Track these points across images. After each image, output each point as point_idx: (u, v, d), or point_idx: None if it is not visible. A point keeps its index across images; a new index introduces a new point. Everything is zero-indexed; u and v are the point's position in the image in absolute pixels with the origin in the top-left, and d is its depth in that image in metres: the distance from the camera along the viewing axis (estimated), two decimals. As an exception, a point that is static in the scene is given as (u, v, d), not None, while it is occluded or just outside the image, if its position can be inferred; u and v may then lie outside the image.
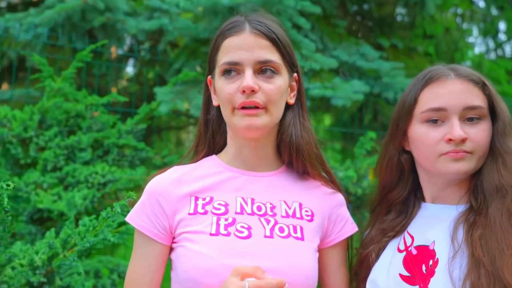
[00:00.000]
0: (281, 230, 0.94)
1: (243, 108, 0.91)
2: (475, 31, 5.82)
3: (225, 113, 0.96)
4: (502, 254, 0.84)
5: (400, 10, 4.53)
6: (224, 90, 0.93)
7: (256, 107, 0.91)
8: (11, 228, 1.21)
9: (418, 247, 0.98)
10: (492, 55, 5.77)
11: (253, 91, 0.90)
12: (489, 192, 0.92)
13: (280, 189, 1.00)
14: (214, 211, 0.95)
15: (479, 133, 0.93)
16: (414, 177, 1.06)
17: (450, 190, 1.00)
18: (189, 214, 0.95)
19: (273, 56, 0.93)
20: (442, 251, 0.93)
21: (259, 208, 0.97)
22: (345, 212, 1.05)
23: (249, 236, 0.92)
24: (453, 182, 0.99)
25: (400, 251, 1.00)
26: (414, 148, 1.01)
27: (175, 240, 0.97)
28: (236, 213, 0.95)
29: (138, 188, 2.64)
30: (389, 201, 1.07)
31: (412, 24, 4.20)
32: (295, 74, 1.01)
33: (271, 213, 0.96)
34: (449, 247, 0.92)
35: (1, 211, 1.17)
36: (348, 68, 2.94)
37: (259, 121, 0.91)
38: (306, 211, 1.00)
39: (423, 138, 0.98)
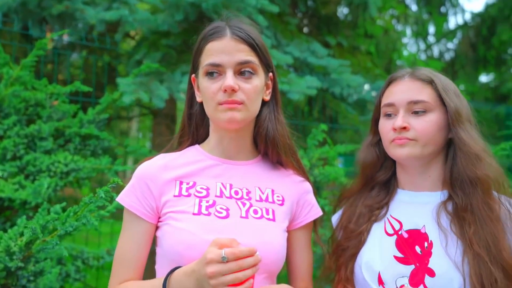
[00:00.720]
0: (255, 212, 1.04)
1: (225, 103, 1.00)
2: (408, 32, 6.25)
3: (209, 109, 1.04)
4: (496, 242, 0.94)
5: (343, 10, 4.77)
6: (208, 88, 1.01)
7: (236, 103, 1.00)
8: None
9: (409, 231, 1.06)
10: (423, 56, 6.22)
11: (233, 90, 0.98)
12: (463, 187, 1.01)
13: (255, 176, 1.10)
14: (196, 194, 1.04)
15: (422, 123, 1.04)
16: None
17: (421, 177, 1.10)
18: (174, 196, 1.03)
19: (251, 58, 1.01)
20: (433, 235, 1.02)
21: (236, 193, 1.06)
22: (311, 198, 1.16)
23: (227, 216, 1.02)
24: (419, 169, 1.09)
25: (389, 234, 1.08)
26: (383, 142, 1.14)
27: (160, 220, 1.05)
28: (216, 196, 1.04)
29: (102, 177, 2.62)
30: (374, 180, 1.16)
31: (355, 24, 4.44)
32: (271, 74, 1.10)
33: (247, 197, 1.06)
34: (438, 231, 1.01)
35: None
36: (299, 64, 3.09)
37: (239, 115, 1.00)
38: (278, 196, 1.10)
39: (381, 128, 1.12)
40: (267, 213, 1.06)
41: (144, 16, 2.50)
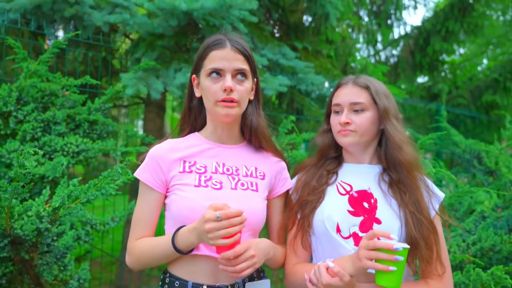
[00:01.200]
0: (242, 184, 1.15)
1: (223, 101, 1.09)
2: (361, 40, 6.40)
3: (209, 104, 1.13)
4: (419, 203, 1.12)
5: (308, 18, 4.84)
6: (210, 88, 1.10)
7: (232, 101, 1.09)
8: (28, 187, 1.28)
9: (358, 191, 1.19)
10: (372, 60, 6.40)
11: (231, 90, 1.08)
12: (395, 167, 1.16)
13: (242, 157, 1.21)
14: (197, 170, 1.14)
15: (360, 119, 1.18)
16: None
17: (362, 155, 1.24)
18: (179, 172, 1.14)
19: (245, 66, 1.11)
20: (377, 194, 1.17)
21: (227, 170, 1.17)
22: (286, 173, 1.28)
23: (220, 188, 1.13)
24: (360, 151, 1.23)
25: (342, 194, 1.20)
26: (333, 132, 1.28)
27: (168, 190, 1.15)
28: (212, 172, 1.15)
29: (107, 156, 2.66)
30: (326, 156, 1.29)
31: (318, 31, 4.54)
32: (255, 79, 1.20)
33: (236, 173, 1.17)
34: (381, 192, 1.17)
35: (21, 174, 1.24)
36: (272, 65, 3.18)
37: (233, 111, 1.10)
38: (260, 172, 1.21)
39: (331, 122, 1.26)
40: (252, 186, 1.16)
41: (143, 20, 2.52)
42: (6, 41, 2.09)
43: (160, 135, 4.28)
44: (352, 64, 4.91)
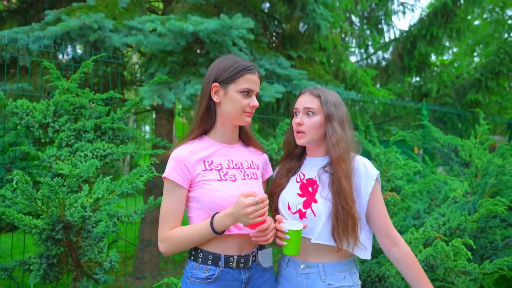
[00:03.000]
0: (247, 175, 1.38)
1: (248, 112, 1.34)
2: (353, 44, 6.69)
3: (235, 112, 1.33)
4: (346, 193, 1.30)
5: (302, 26, 5.13)
6: (241, 101, 1.31)
7: (251, 113, 1.35)
8: (78, 182, 1.60)
9: (308, 179, 1.41)
10: (364, 63, 6.67)
11: (255, 107, 1.35)
12: (332, 161, 1.35)
13: (242, 153, 1.43)
14: (215, 168, 1.34)
15: (309, 121, 1.36)
16: None
17: (316, 150, 1.44)
18: (203, 170, 1.32)
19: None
20: (319, 181, 1.38)
21: (235, 165, 1.38)
22: (268, 163, 1.54)
23: (235, 180, 1.34)
24: (313, 146, 1.43)
25: (297, 182, 1.43)
26: None
27: (192, 186, 1.32)
28: (227, 168, 1.35)
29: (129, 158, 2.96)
30: (293, 154, 1.50)
31: (312, 40, 4.82)
32: None
33: (241, 167, 1.39)
34: (320, 180, 1.38)
35: (72, 173, 1.57)
36: (269, 74, 3.49)
37: (250, 120, 1.37)
38: (256, 164, 1.45)
39: (292, 123, 1.45)
40: (254, 175, 1.40)
41: (155, 39, 2.83)
42: (42, 63, 2.42)
43: (170, 139, 4.60)
44: (344, 70, 5.19)
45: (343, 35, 6.68)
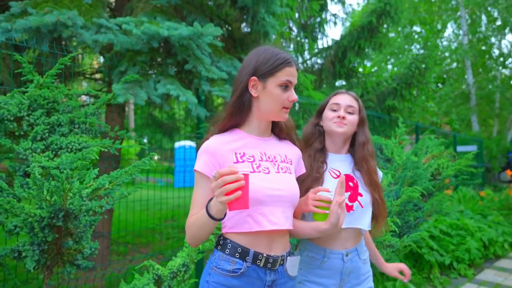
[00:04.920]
0: (281, 169, 1.30)
1: (286, 107, 1.28)
2: (291, 49, 7.20)
3: (274, 107, 1.27)
4: (378, 185, 1.52)
5: (248, 30, 5.43)
6: (281, 96, 1.25)
7: (289, 108, 1.29)
8: (84, 173, 1.74)
9: (346, 175, 1.49)
10: (302, 67, 7.24)
11: (295, 101, 1.28)
12: (363, 159, 1.52)
13: (275, 147, 1.36)
14: (247, 160, 1.26)
15: (351, 117, 1.51)
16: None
17: (341, 146, 1.56)
18: (234, 162, 1.24)
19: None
20: (356, 177, 1.52)
21: (269, 157, 1.30)
22: (301, 160, 1.45)
23: (268, 172, 1.26)
24: (341, 142, 1.55)
25: (334, 178, 1.49)
26: (324, 123, 1.56)
27: None
28: (260, 160, 1.27)
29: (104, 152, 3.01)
30: (314, 148, 1.55)
31: (258, 44, 5.16)
32: None
33: (275, 160, 1.31)
34: (356, 175, 1.52)
35: (85, 164, 1.71)
36: (228, 77, 3.77)
37: (287, 115, 1.33)
38: (289, 159, 1.37)
39: (327, 115, 1.55)
40: (288, 170, 1.32)
41: (124, 39, 2.92)
42: (13, 56, 2.40)
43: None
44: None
45: (282, 40, 7.17)
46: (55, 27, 2.66)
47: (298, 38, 7.16)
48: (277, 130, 1.40)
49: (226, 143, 1.27)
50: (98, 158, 2.12)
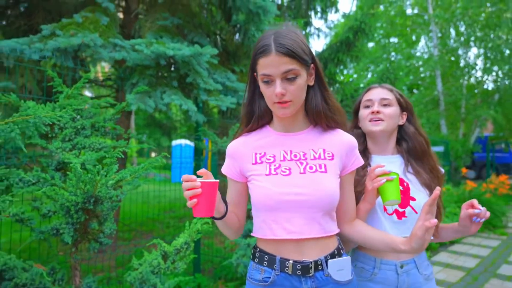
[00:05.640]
0: (311, 168, 1.06)
1: (278, 103, 1.02)
2: None
3: (268, 104, 1.08)
4: (435, 184, 1.25)
5: (239, 43, 5.80)
6: (265, 92, 1.04)
7: (285, 102, 1.01)
8: (107, 167, 2.11)
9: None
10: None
11: (282, 95, 1.00)
12: (413, 157, 1.28)
13: (309, 141, 1.11)
14: (266, 161, 1.09)
15: (387, 110, 1.29)
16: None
17: (385, 146, 1.32)
18: (252, 164, 1.10)
19: (293, 66, 0.98)
20: (406, 179, 1.26)
21: (295, 156, 1.09)
22: (355, 152, 1.13)
23: (289, 174, 1.05)
24: (384, 140, 1.30)
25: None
26: (361, 123, 1.36)
27: (248, 179, 1.13)
28: (281, 160, 1.08)
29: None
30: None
31: (249, 56, 5.55)
32: (312, 65, 1.06)
33: (304, 158, 1.08)
34: (407, 177, 1.26)
35: (113, 161, 2.08)
36: (221, 87, 4.14)
37: (288, 110, 1.03)
38: (328, 153, 1.09)
39: (361, 114, 1.35)
40: (320, 167, 1.06)
41: (135, 56, 3.30)
42: (46, 72, 2.75)
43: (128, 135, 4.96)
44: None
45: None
46: (80, 47, 3.02)
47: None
48: (313, 119, 1.12)
49: (248, 143, 1.14)
50: (122, 156, 2.46)
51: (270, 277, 1.06)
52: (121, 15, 5.33)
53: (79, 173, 1.99)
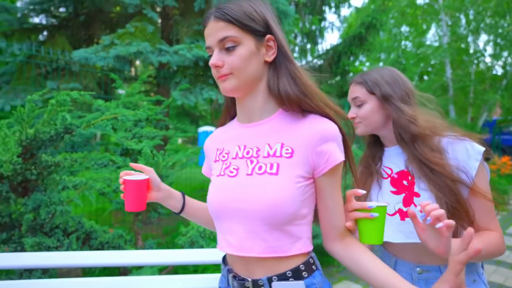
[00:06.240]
0: (260, 168, 0.80)
1: (219, 78, 0.82)
2: (296, 54, 7.82)
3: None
4: (441, 177, 0.92)
5: None
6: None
7: (224, 75, 0.80)
8: (168, 153, 2.56)
9: (398, 173, 1.03)
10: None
11: (217, 66, 0.80)
12: (409, 144, 1.00)
13: (267, 133, 0.83)
14: (222, 158, 0.89)
15: (361, 111, 1.07)
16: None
17: (389, 139, 1.08)
18: (213, 161, 0.93)
19: (229, 33, 0.78)
20: (414, 172, 1.01)
21: (247, 152, 0.84)
22: (330, 146, 0.78)
23: (236, 175, 0.82)
24: (384, 134, 1.09)
25: (385, 178, 1.05)
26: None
27: None
28: (233, 158, 0.86)
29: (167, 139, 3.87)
30: (369, 143, 1.16)
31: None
32: (269, 36, 0.82)
33: (256, 155, 0.82)
34: (413, 169, 1.01)
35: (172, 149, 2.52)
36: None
37: (228, 84, 0.80)
38: (287, 149, 0.79)
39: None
40: (271, 168, 0.78)
41: (177, 58, 3.72)
42: (110, 75, 3.20)
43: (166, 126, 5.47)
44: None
45: (290, 47, 7.81)
46: (135, 54, 3.46)
47: (302, 44, 7.78)
48: (279, 103, 0.83)
49: (215, 138, 0.96)
50: (177, 143, 2.88)
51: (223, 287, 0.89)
52: (159, 20, 5.74)
53: (149, 156, 2.44)
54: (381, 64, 14.46)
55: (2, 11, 3.76)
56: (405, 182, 1.01)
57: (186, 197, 1.01)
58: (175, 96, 3.49)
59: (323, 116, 0.81)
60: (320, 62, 7.90)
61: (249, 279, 0.80)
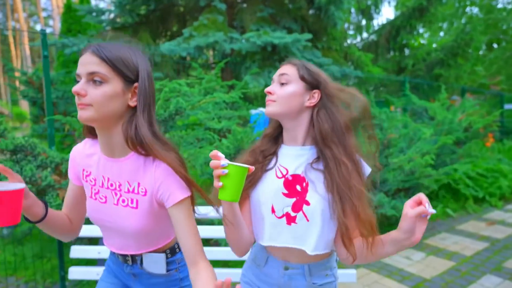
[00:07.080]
0: (123, 201, 0.95)
1: (78, 105, 0.85)
2: (352, 31, 7.70)
3: None
4: (350, 188, 0.90)
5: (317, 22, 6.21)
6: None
7: (82, 104, 0.84)
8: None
9: (293, 175, 0.98)
10: (360, 45, 7.80)
11: (79, 94, 0.84)
12: (321, 150, 0.95)
13: (126, 172, 0.94)
14: (91, 183, 0.99)
15: (281, 91, 0.98)
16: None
17: (293, 134, 1.00)
18: (82, 179, 1.02)
19: (100, 69, 0.83)
20: (308, 178, 0.96)
21: (111, 185, 0.96)
22: (169, 185, 0.90)
23: (105, 202, 0.97)
24: (289, 126, 1.00)
25: (279, 177, 0.99)
26: None
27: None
28: (100, 186, 0.98)
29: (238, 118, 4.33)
30: (267, 136, 1.07)
31: (328, 33, 5.99)
32: (136, 84, 0.89)
33: (119, 189, 0.95)
34: (310, 176, 0.96)
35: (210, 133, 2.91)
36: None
37: (84, 113, 0.85)
38: (142, 189, 0.93)
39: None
40: (132, 202, 0.94)
41: (246, 45, 4.02)
42: (191, 63, 3.66)
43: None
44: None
45: (345, 25, 7.72)
46: (212, 44, 3.88)
47: (357, 20, 7.68)
48: (130, 145, 0.90)
49: (82, 156, 1.02)
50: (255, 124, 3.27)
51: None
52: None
53: (238, 132, 2.86)
54: (441, 34, 13.52)
55: (99, 14, 4.39)
56: (298, 187, 0.97)
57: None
58: (248, 80, 3.86)
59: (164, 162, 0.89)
60: (375, 38, 7.76)
61: (129, 254, 1.05)
